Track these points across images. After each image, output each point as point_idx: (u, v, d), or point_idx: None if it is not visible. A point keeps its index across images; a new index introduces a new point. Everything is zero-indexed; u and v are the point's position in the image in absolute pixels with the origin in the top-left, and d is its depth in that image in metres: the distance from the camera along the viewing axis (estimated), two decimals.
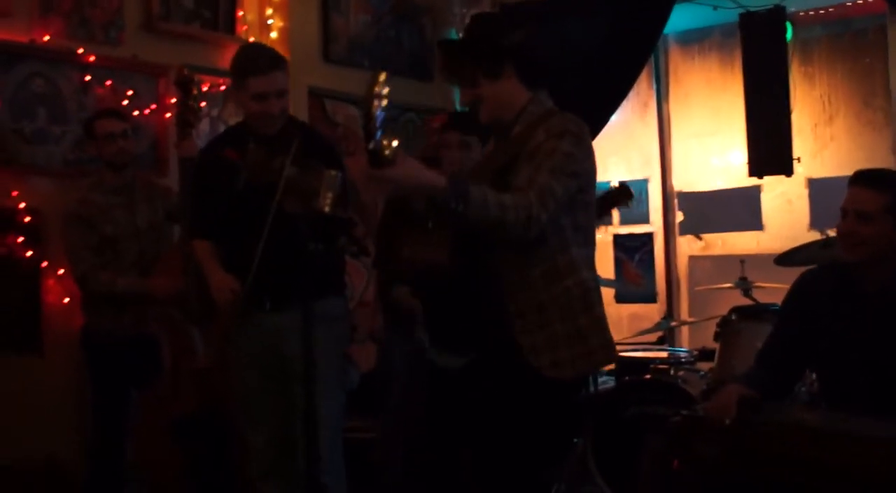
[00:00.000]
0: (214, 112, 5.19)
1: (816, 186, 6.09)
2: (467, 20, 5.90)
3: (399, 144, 2.31)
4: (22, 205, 4.35)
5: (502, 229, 2.47)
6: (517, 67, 2.66)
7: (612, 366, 4.65)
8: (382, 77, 2.31)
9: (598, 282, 2.73)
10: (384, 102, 2.29)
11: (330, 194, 2.72)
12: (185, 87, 4.19)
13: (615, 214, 6.17)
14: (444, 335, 3.26)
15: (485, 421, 2.72)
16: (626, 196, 4.68)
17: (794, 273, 3.33)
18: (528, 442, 2.63)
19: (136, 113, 4.78)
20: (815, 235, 4.83)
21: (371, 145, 2.28)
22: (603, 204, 4.60)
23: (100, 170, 4.32)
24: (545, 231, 2.54)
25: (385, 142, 2.29)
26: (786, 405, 3.10)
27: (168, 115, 4.93)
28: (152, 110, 4.88)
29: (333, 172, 2.75)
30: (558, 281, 2.61)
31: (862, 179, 2.96)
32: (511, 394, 2.64)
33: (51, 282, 4.45)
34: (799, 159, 5.83)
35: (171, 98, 4.91)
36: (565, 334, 2.60)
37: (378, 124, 2.27)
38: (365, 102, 2.30)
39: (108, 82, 4.70)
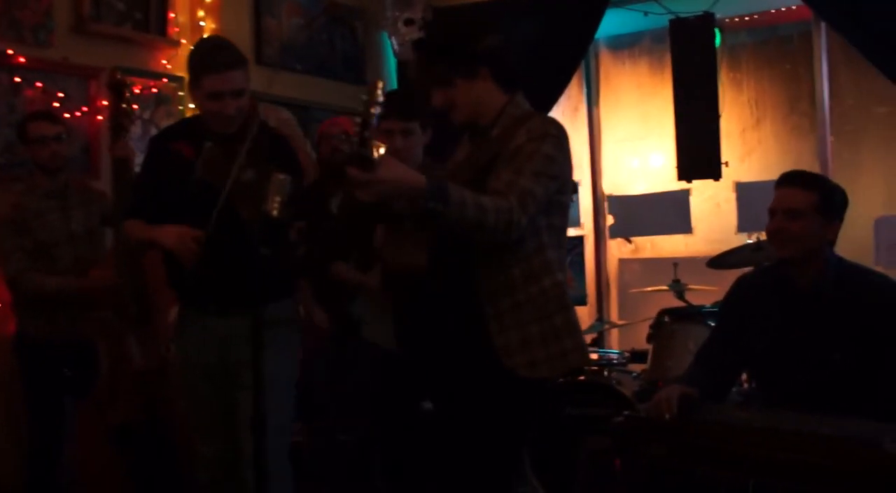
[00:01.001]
0: (146, 115, 5.12)
1: (744, 190, 6.19)
2: (420, 20, 5.94)
3: (386, 150, 2.36)
4: None
5: (481, 231, 2.48)
6: (492, 70, 2.69)
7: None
8: (381, 85, 2.37)
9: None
10: (377, 110, 2.36)
11: (278, 198, 2.70)
12: (118, 89, 4.14)
13: None
14: (415, 336, 3.25)
15: (457, 423, 2.74)
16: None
17: (725, 275, 3.41)
18: (501, 442, 2.67)
19: (66, 115, 4.69)
20: (742, 239, 4.96)
21: (362, 151, 2.32)
22: None
23: (32, 174, 4.24)
24: (523, 233, 2.56)
25: (373, 147, 2.33)
26: (724, 405, 3.16)
27: (100, 117, 4.86)
28: (84, 113, 4.81)
29: (282, 176, 2.72)
30: (535, 282, 2.64)
31: (789, 179, 3.05)
32: (484, 394, 2.66)
33: None
34: (727, 163, 5.93)
35: (103, 100, 4.86)
36: (540, 335, 2.63)
37: (370, 130, 2.34)
38: (364, 108, 2.35)
39: (39, 84, 4.62)
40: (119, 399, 3.99)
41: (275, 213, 2.69)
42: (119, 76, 4.17)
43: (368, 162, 2.33)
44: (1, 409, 4.36)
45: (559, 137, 2.65)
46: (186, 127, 3.54)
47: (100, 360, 4.06)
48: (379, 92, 2.37)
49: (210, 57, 3.19)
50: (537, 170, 2.56)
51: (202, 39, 3.48)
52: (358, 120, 2.40)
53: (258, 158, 3.00)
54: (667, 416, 2.82)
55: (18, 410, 4.24)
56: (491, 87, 2.71)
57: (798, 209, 2.96)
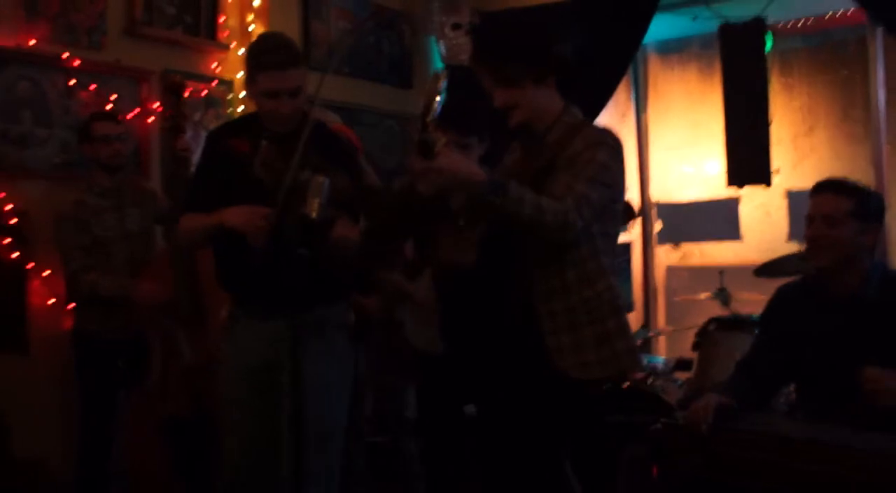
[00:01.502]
0: (196, 117, 5.18)
1: (795, 198, 6.13)
2: (467, 24, 5.93)
3: (446, 142, 2.40)
4: (8, 207, 4.33)
5: (537, 229, 2.51)
6: (558, 77, 2.74)
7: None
8: (444, 74, 2.42)
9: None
10: (440, 98, 2.40)
11: (317, 201, 2.73)
12: (176, 91, 4.26)
13: None
14: (462, 334, 3.26)
15: (503, 422, 2.76)
16: (629, 215, 4.57)
17: (773, 284, 3.38)
18: (547, 441, 2.71)
19: (118, 117, 4.78)
20: (793, 247, 4.90)
21: (423, 136, 2.37)
22: None
23: (92, 172, 4.34)
24: (578, 235, 2.60)
25: (435, 137, 2.38)
26: (763, 414, 3.13)
27: (150, 119, 4.93)
28: (135, 114, 4.88)
29: (321, 178, 2.75)
30: (589, 285, 2.68)
31: (825, 187, 3.05)
32: (533, 393, 2.70)
33: (36, 283, 4.43)
34: (778, 170, 5.88)
35: (154, 102, 4.94)
36: (593, 338, 2.67)
37: (434, 118, 2.38)
38: (428, 95, 2.40)
39: (92, 86, 4.69)
40: (169, 394, 4.07)
41: (314, 215, 2.72)
42: (178, 79, 4.30)
43: (429, 148, 2.36)
44: (54, 401, 4.44)
45: (614, 146, 2.70)
46: (243, 124, 3.47)
47: (152, 355, 4.15)
48: (442, 82, 2.41)
49: (268, 55, 3.13)
50: (593, 177, 2.60)
51: (261, 36, 3.43)
52: (421, 107, 2.43)
53: (315, 159, 2.97)
54: (703, 427, 2.80)
55: (71, 402, 4.33)
56: (553, 93, 2.77)
57: (834, 216, 2.95)
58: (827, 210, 2.97)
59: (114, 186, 4.33)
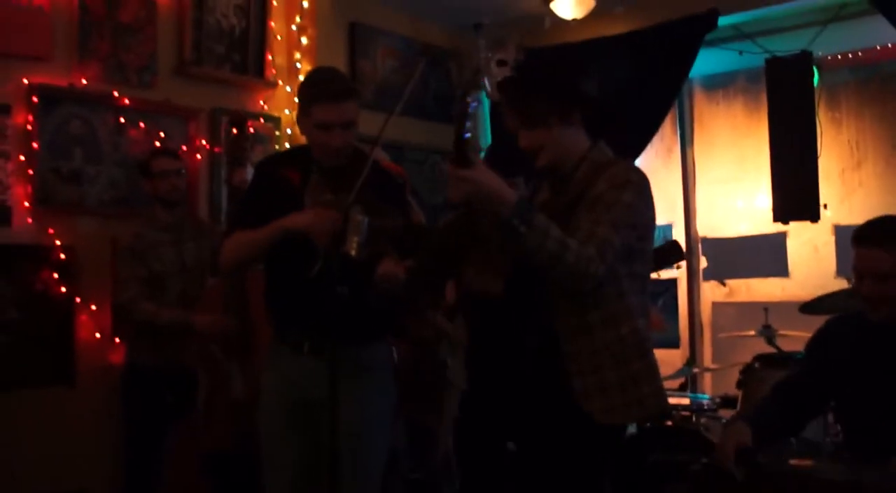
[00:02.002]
0: None
1: (843, 233, 6.05)
2: (513, 60, 5.96)
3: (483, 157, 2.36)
4: (57, 242, 4.44)
5: (558, 267, 2.46)
6: (585, 115, 2.68)
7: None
8: (474, 94, 2.40)
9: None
10: (477, 103, 2.38)
11: (356, 239, 2.73)
12: (241, 126, 4.35)
13: None
14: (487, 368, 3.24)
15: (534, 462, 2.72)
16: (676, 255, 4.48)
17: (819, 321, 3.34)
18: (576, 484, 2.65)
19: None
20: (841, 283, 4.83)
21: (461, 143, 2.33)
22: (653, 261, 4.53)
23: (153, 207, 4.44)
24: (599, 282, 2.54)
25: (470, 145, 2.34)
26: (783, 452, 3.09)
27: (198, 156, 5.02)
28: (183, 152, 4.97)
29: (360, 217, 2.75)
30: (614, 328, 2.61)
31: (867, 239, 2.95)
32: (561, 435, 2.65)
33: (84, 317, 4.53)
34: (826, 206, 5.81)
35: (201, 140, 5.03)
36: (618, 381, 2.60)
37: (469, 120, 2.33)
38: (460, 97, 2.35)
39: (142, 124, 4.80)
40: (213, 428, 4.07)
41: (353, 253, 2.72)
42: (241, 114, 4.46)
43: (466, 156, 2.33)
44: (100, 433, 4.51)
45: (640, 184, 2.62)
46: (293, 156, 3.46)
47: (199, 388, 4.19)
48: (472, 101, 2.36)
49: (323, 86, 3.10)
50: (616, 220, 2.54)
51: (316, 69, 3.45)
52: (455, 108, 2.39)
53: (369, 196, 2.90)
54: (739, 479, 2.76)
55: (116, 434, 4.41)
56: (579, 131, 2.71)
57: (885, 272, 2.88)
58: (875, 268, 2.91)
59: (174, 220, 4.43)
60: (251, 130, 4.89)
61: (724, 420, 4.81)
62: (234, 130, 4.25)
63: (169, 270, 4.35)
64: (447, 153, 6.19)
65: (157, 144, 4.81)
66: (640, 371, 2.63)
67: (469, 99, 2.37)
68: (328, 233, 2.86)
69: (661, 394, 2.69)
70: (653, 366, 2.68)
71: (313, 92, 3.11)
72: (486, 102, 6.68)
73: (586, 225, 2.54)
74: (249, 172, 4.58)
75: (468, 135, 2.35)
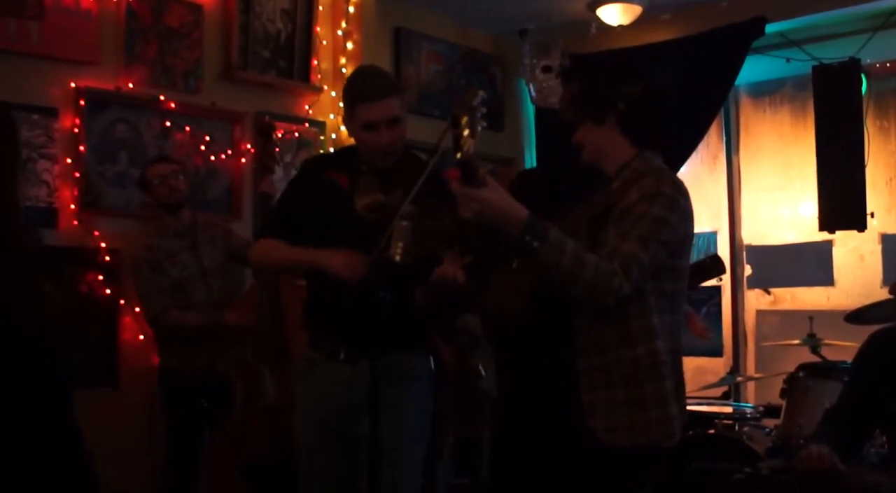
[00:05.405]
0: (288, 158, 5.29)
1: (890, 242, 5.97)
2: (558, 66, 5.94)
3: (490, 170, 2.33)
4: (102, 245, 4.49)
5: (576, 285, 2.41)
6: (619, 119, 2.63)
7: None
8: (480, 93, 2.34)
9: (678, 352, 2.61)
10: (478, 118, 2.32)
11: (401, 244, 2.68)
12: (267, 133, 4.38)
13: None
14: (511, 381, 3.22)
15: (540, 477, 2.72)
16: (717, 269, 4.33)
17: (865, 331, 3.29)
18: None
19: (212, 158, 4.93)
20: (886, 293, 4.74)
21: (465, 160, 2.30)
22: (693, 276, 4.44)
23: (160, 216, 4.41)
24: (623, 299, 2.46)
25: (478, 165, 2.32)
26: (852, 466, 3.04)
27: (243, 160, 5.06)
28: (228, 155, 5.01)
29: (404, 223, 2.70)
30: (629, 347, 2.52)
31: None
32: (564, 452, 2.62)
33: (128, 319, 4.57)
34: (872, 214, 5.73)
35: (247, 144, 5.07)
36: (625, 402, 2.51)
37: (469, 137, 2.30)
38: (454, 115, 2.31)
39: (187, 128, 4.85)
40: (250, 434, 4.09)
41: (397, 258, 2.68)
42: (268, 121, 4.44)
43: (473, 173, 2.31)
44: (142, 434, 4.56)
45: (673, 197, 2.52)
46: (341, 157, 3.41)
47: (235, 395, 4.19)
48: (477, 98, 2.33)
49: (366, 85, 3.08)
50: (644, 234, 2.45)
51: (357, 69, 3.43)
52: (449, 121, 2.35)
53: (425, 200, 2.82)
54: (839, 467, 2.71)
55: (158, 436, 4.44)
56: (616, 135, 2.64)
57: None
58: None
59: (184, 225, 4.40)
60: (279, 134, 4.90)
61: (767, 430, 4.77)
62: (262, 138, 4.29)
63: (190, 275, 4.33)
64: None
65: (203, 147, 4.85)
66: (651, 396, 2.51)
67: (465, 124, 2.32)
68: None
69: (670, 423, 2.53)
70: (666, 392, 2.53)
71: (355, 93, 3.10)
72: (531, 108, 6.70)
73: (613, 239, 2.48)
74: (277, 179, 4.64)
75: (471, 151, 2.32)
